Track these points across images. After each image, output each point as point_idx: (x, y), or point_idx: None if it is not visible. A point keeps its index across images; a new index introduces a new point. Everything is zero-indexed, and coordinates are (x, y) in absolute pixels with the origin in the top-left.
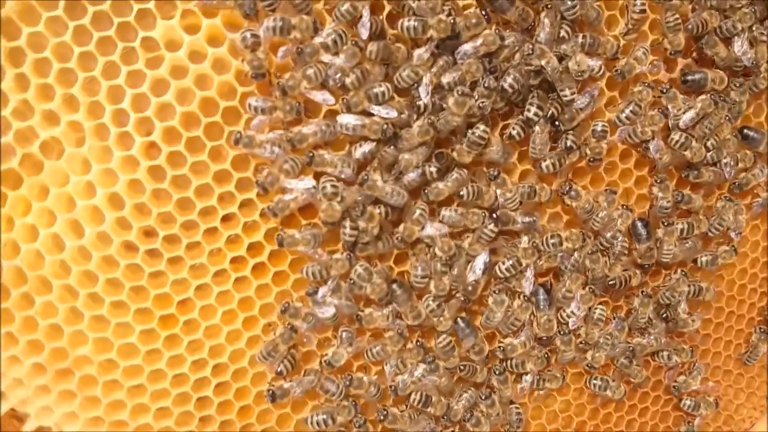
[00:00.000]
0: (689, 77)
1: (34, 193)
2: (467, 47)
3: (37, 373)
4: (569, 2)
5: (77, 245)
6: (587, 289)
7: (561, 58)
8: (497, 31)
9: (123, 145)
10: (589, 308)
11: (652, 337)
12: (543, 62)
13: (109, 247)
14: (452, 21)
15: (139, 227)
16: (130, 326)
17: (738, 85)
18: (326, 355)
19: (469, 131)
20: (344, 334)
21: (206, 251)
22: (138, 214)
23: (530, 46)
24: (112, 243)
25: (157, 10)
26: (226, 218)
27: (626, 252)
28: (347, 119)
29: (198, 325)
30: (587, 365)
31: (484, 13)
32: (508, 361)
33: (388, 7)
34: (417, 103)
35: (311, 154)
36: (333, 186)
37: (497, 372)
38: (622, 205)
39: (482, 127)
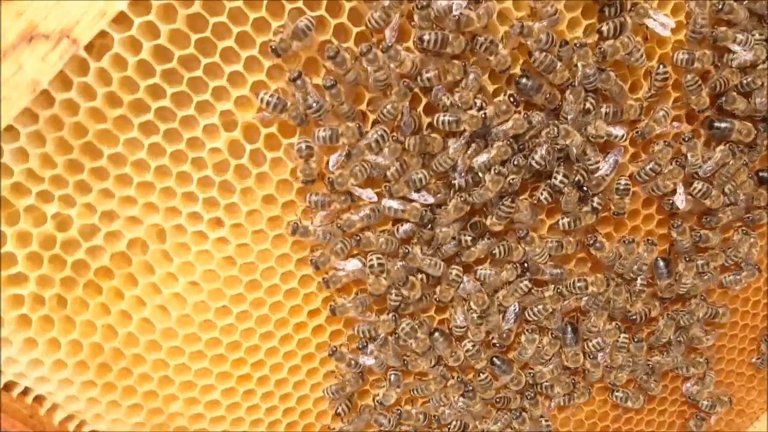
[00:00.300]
0: (716, 125)
1: (123, 284)
2: (498, 131)
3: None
4: (589, 72)
5: (165, 327)
6: (613, 324)
7: (586, 126)
8: (525, 115)
9: (198, 241)
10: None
11: (670, 357)
12: (568, 142)
13: (191, 326)
14: (483, 116)
15: (216, 308)
16: (213, 386)
17: (762, 130)
18: (378, 395)
19: (499, 204)
20: (392, 377)
21: (272, 321)
22: (214, 296)
23: (555, 129)
24: (194, 322)
25: (222, 125)
26: (288, 293)
27: (646, 288)
28: (390, 204)
29: (269, 379)
30: (610, 383)
31: (512, 99)
32: (538, 386)
33: (424, 100)
34: (452, 182)
35: (359, 237)
36: (380, 264)
37: (529, 397)
38: (647, 240)
39: (508, 201)
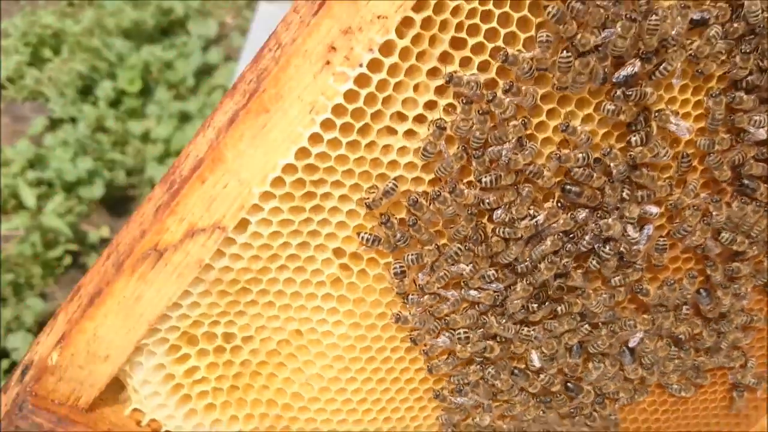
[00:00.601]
0: (747, 183)
1: (276, 369)
2: (549, 229)
3: None
4: (622, 169)
5: (311, 396)
6: (664, 341)
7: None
8: (571, 215)
9: (327, 337)
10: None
11: (714, 358)
12: (610, 233)
13: (330, 393)
14: (536, 223)
15: (346, 378)
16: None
17: None
18: (476, 418)
19: (555, 282)
20: (485, 405)
21: (388, 380)
22: (343, 371)
23: (598, 227)
24: (331, 390)
25: (334, 255)
26: (397, 360)
27: (690, 312)
28: (470, 294)
29: (391, 420)
30: (665, 383)
31: (559, 204)
32: (605, 395)
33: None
34: (517, 269)
35: (447, 320)
36: (465, 336)
37: (598, 402)
38: (688, 273)
39: (557, 282)
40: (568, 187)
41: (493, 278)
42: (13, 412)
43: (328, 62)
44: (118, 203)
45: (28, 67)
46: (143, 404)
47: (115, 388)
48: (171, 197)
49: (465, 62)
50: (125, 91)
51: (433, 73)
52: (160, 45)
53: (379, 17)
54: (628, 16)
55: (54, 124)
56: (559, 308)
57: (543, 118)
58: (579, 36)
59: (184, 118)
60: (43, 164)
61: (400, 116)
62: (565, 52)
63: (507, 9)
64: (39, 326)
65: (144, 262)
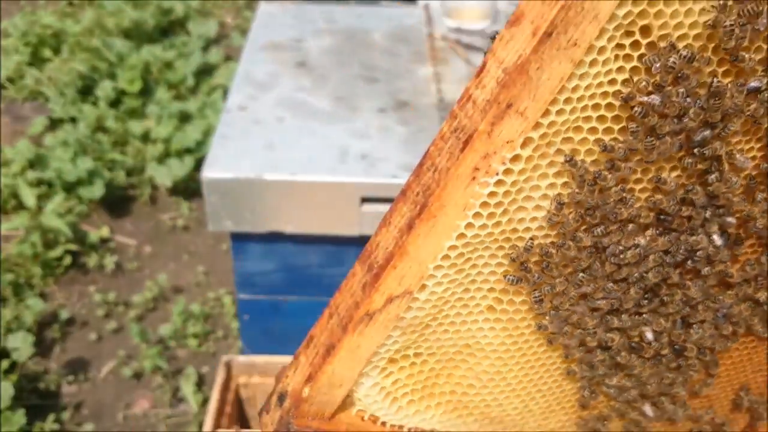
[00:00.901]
0: None
1: None
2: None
3: None
4: (703, 200)
5: None
6: (747, 303)
7: None
8: (667, 239)
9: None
10: None
11: None
12: (699, 246)
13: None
14: (640, 251)
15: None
16: None
17: None
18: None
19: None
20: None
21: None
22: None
23: (689, 243)
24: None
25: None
26: None
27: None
28: (594, 303)
29: None
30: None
31: (657, 231)
32: (704, 347)
33: None
34: (628, 280)
35: (578, 323)
36: (594, 331)
37: (700, 354)
38: (763, 253)
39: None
40: (662, 217)
41: (611, 290)
42: (280, 430)
43: (473, 178)
44: (118, 203)
45: (28, 67)
46: (365, 407)
47: (345, 399)
48: (374, 278)
49: (574, 152)
50: (125, 91)
51: (550, 165)
52: (160, 45)
53: (507, 142)
54: (699, 105)
55: (54, 124)
56: (664, 298)
57: (639, 175)
58: (659, 124)
59: (184, 118)
60: (43, 164)
61: (529, 198)
62: (648, 137)
63: (603, 111)
64: (39, 326)
65: (360, 324)
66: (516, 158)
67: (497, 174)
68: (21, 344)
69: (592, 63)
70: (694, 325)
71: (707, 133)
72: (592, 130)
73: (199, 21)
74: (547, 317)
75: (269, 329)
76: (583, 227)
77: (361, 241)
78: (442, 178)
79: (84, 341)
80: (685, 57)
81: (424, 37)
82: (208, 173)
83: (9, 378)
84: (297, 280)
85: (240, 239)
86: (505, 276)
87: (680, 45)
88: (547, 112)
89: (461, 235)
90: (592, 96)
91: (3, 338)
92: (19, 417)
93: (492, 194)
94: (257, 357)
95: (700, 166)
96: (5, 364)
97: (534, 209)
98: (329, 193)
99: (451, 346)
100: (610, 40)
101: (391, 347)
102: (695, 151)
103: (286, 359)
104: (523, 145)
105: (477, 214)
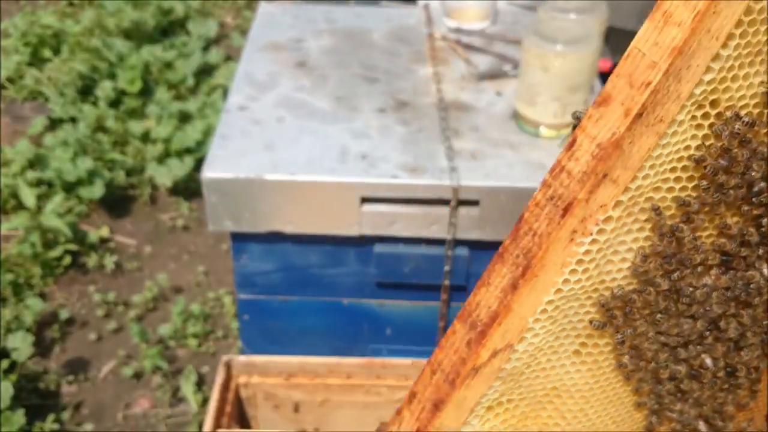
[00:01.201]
0: None
1: None
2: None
3: None
4: (757, 239)
5: None
6: None
7: None
8: (729, 277)
9: None
10: None
11: None
12: (754, 280)
13: None
14: (707, 291)
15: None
16: None
17: None
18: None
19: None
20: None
21: None
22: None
23: (745, 278)
24: None
25: None
26: None
27: None
28: (667, 339)
29: None
30: None
31: (720, 270)
32: (754, 368)
33: None
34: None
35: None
36: (665, 365)
37: (749, 375)
38: None
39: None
40: (724, 258)
41: (683, 324)
42: None
43: (572, 239)
44: (118, 203)
45: (28, 67)
46: None
47: None
48: (479, 335)
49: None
50: (125, 91)
51: (634, 222)
52: (160, 45)
53: (601, 206)
54: (759, 159)
55: (54, 124)
56: (721, 327)
57: (706, 223)
58: (726, 180)
59: (184, 118)
60: (42, 164)
61: (616, 252)
62: (716, 192)
63: (679, 173)
64: (39, 326)
65: (467, 378)
66: (608, 219)
67: (592, 234)
68: (21, 344)
69: (673, 134)
70: (744, 349)
71: (763, 185)
72: (670, 189)
73: (199, 21)
74: (626, 356)
75: (269, 329)
76: (661, 273)
77: (361, 241)
78: (543, 241)
79: (84, 341)
80: (748, 123)
81: (424, 37)
82: (208, 173)
83: (9, 378)
84: (297, 280)
85: (240, 239)
86: (591, 321)
87: (743, 113)
88: (634, 178)
89: (558, 290)
90: (671, 161)
91: (3, 338)
92: (19, 417)
93: (587, 252)
94: (257, 357)
95: (755, 212)
96: (5, 364)
97: (620, 261)
98: (329, 193)
99: (540, 389)
100: (687, 113)
101: (491, 396)
102: (753, 200)
103: (286, 359)
104: (614, 207)
105: (573, 271)
